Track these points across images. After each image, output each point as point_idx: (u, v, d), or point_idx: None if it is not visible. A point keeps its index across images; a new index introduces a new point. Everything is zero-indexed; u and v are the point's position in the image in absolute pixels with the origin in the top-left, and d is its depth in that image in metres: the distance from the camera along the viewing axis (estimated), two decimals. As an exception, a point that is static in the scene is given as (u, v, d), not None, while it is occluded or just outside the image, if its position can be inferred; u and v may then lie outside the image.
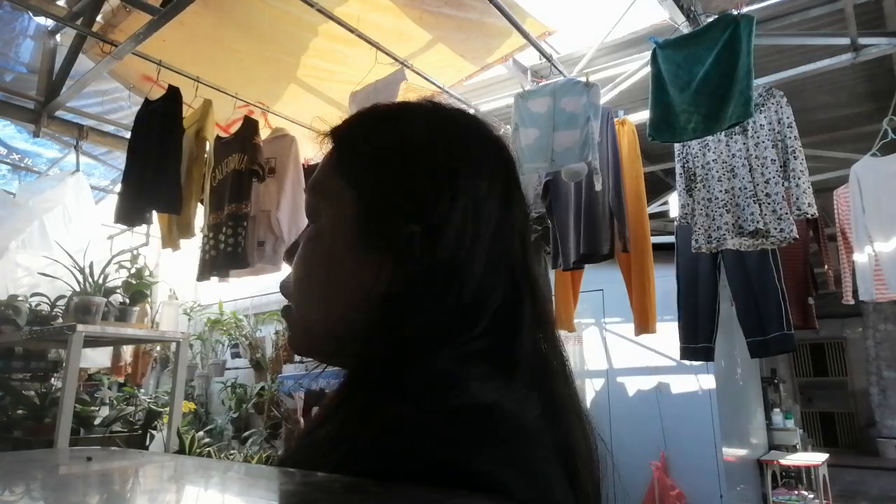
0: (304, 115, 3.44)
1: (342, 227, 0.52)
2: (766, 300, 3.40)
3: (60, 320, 3.13)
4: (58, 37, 3.26)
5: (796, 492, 5.52)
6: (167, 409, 3.30)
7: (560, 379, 0.51)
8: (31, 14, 3.14)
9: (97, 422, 3.36)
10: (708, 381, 4.56)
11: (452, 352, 0.45)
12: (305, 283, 0.54)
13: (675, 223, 3.31)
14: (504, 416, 0.42)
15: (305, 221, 0.57)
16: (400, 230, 0.49)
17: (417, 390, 0.43)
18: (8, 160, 4.58)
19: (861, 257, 3.31)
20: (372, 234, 0.50)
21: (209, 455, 3.94)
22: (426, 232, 0.48)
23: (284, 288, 0.57)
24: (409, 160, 0.51)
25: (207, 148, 2.85)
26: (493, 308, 0.48)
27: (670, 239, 3.74)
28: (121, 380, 4.30)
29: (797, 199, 2.71)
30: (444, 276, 0.47)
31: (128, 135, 3.02)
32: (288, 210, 2.98)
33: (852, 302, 3.58)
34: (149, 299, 3.86)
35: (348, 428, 0.43)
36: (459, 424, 0.39)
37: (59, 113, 3.30)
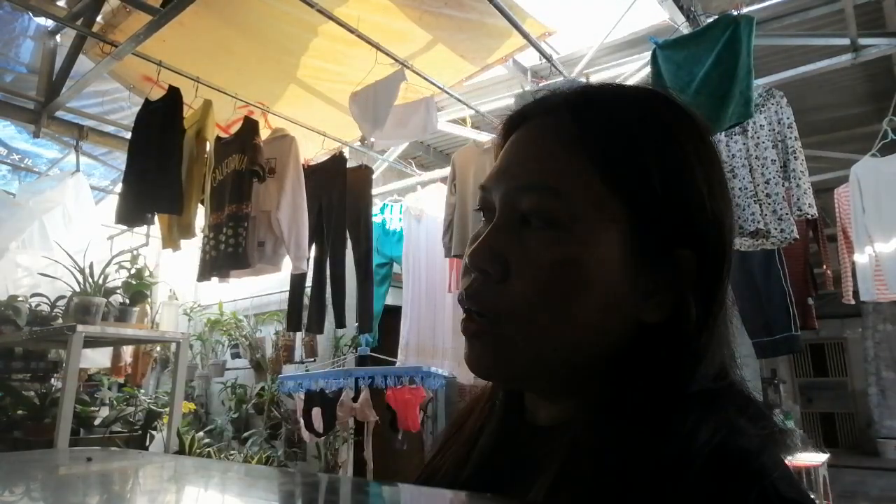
0: (304, 116, 3.44)
1: (608, 240, 0.43)
2: (772, 301, 3.40)
3: (60, 321, 3.13)
4: (58, 37, 3.26)
5: (796, 492, 5.51)
6: (167, 409, 3.30)
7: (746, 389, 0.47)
8: (31, 14, 3.14)
9: (97, 422, 3.37)
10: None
11: (707, 388, 0.41)
12: (546, 300, 0.43)
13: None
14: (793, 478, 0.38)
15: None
16: (673, 251, 0.43)
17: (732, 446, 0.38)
18: (8, 160, 4.58)
19: (861, 258, 3.32)
20: (648, 254, 0.43)
21: (209, 455, 3.93)
22: (703, 258, 0.43)
23: (481, 299, 0.45)
24: (682, 165, 0.45)
25: (208, 148, 2.85)
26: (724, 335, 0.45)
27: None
28: (121, 380, 4.30)
29: (797, 199, 2.72)
30: (710, 303, 0.43)
31: (128, 135, 3.01)
32: (288, 210, 2.98)
33: (853, 302, 3.59)
34: (149, 300, 3.86)
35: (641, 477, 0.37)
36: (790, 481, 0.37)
37: (59, 113, 3.29)
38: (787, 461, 0.39)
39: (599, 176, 0.44)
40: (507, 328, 0.44)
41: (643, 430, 0.39)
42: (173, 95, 2.74)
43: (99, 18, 2.86)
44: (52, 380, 3.58)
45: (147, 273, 3.45)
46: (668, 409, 0.40)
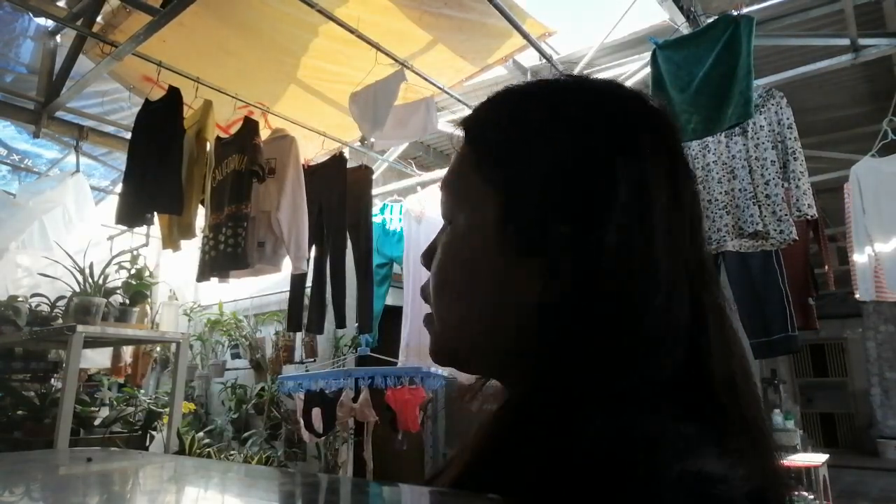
0: (304, 116, 3.44)
1: (482, 229, 0.46)
2: (769, 302, 3.40)
3: (60, 321, 3.13)
4: (58, 37, 3.26)
5: (796, 492, 5.52)
6: (167, 409, 3.30)
7: (755, 408, 0.42)
8: (31, 15, 3.14)
9: (97, 422, 3.36)
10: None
11: (635, 384, 0.38)
12: (444, 290, 0.49)
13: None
14: (723, 485, 0.35)
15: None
16: (549, 231, 0.42)
17: (618, 440, 0.35)
18: (8, 161, 4.58)
19: (861, 258, 3.32)
20: (517, 237, 0.44)
21: (209, 456, 3.93)
22: (583, 232, 0.41)
23: (424, 292, 0.53)
24: (553, 147, 0.44)
25: (208, 148, 2.85)
26: (676, 327, 0.40)
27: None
28: (121, 380, 4.29)
29: (797, 200, 2.71)
30: (612, 286, 0.40)
31: (128, 135, 3.02)
32: (288, 210, 2.98)
33: (866, 299, 3.57)
34: (149, 300, 3.86)
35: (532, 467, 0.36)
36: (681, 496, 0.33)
37: (59, 113, 3.30)
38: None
39: (476, 167, 0.48)
40: (432, 316, 0.51)
41: (553, 429, 0.38)
42: (173, 96, 2.74)
43: (99, 19, 2.86)
44: (52, 380, 3.58)
45: (147, 273, 3.45)
46: (581, 409, 0.37)
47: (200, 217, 2.94)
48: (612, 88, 0.48)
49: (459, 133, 0.52)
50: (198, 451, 3.66)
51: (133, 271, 3.26)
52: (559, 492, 0.34)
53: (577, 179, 0.43)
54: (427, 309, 0.53)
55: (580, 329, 0.40)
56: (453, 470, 0.43)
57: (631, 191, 0.41)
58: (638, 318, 0.40)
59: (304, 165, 3.20)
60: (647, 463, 0.34)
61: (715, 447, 0.36)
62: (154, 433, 3.55)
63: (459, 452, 0.46)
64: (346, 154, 3.55)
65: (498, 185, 0.46)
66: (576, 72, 3.38)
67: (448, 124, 3.82)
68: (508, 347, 0.45)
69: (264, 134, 3.14)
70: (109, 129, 3.74)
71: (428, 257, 0.52)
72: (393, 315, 4.16)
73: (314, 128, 3.49)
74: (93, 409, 3.51)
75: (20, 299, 3.29)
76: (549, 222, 0.42)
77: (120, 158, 3.92)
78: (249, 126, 3.01)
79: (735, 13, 2.50)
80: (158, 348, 4.90)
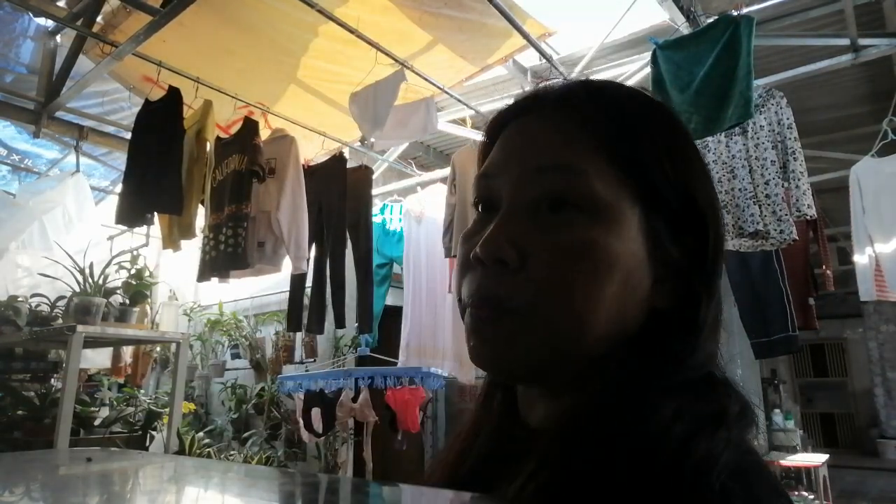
0: (304, 116, 3.44)
1: (628, 222, 0.43)
2: (770, 302, 3.40)
3: (60, 321, 3.13)
4: (58, 37, 3.26)
5: (796, 493, 5.52)
6: (167, 409, 3.30)
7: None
8: (31, 15, 3.14)
9: (97, 422, 3.36)
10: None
11: (689, 382, 0.41)
12: (571, 286, 0.42)
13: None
14: (755, 455, 0.40)
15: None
16: (680, 238, 0.45)
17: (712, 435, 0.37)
18: (8, 161, 4.58)
19: (861, 258, 3.32)
20: (660, 240, 0.44)
21: (209, 456, 3.93)
22: (699, 242, 0.45)
23: (464, 291, 0.46)
24: (685, 155, 0.46)
25: (208, 148, 2.85)
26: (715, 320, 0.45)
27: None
28: (121, 380, 4.29)
29: (797, 200, 2.71)
30: (710, 291, 0.45)
31: (128, 135, 3.02)
32: (288, 210, 2.98)
33: (867, 299, 3.57)
34: (149, 300, 3.85)
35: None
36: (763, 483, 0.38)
37: (59, 114, 3.29)
38: (765, 460, 0.41)
39: (613, 159, 0.43)
40: (529, 318, 0.42)
41: (620, 423, 0.38)
42: (173, 96, 2.74)
43: (99, 19, 2.86)
44: (52, 380, 3.58)
45: (147, 273, 3.45)
46: (652, 400, 0.39)
47: (200, 217, 2.94)
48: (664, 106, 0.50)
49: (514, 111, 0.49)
50: (198, 451, 3.66)
51: (133, 271, 3.25)
52: (645, 467, 0.35)
53: (698, 191, 0.45)
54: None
55: (679, 335, 0.43)
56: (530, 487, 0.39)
57: (706, 204, 0.45)
58: (702, 319, 0.44)
59: (304, 165, 3.19)
60: (713, 434, 0.37)
61: (749, 423, 0.41)
62: (154, 433, 3.55)
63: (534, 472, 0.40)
64: (346, 154, 3.55)
65: (640, 187, 0.44)
66: (576, 72, 3.38)
67: (448, 124, 3.82)
68: (602, 353, 0.43)
69: (264, 134, 3.14)
70: (109, 129, 3.74)
71: (509, 248, 0.42)
72: (393, 315, 4.16)
73: (314, 128, 3.49)
74: (93, 409, 3.50)
75: (20, 299, 3.29)
76: (682, 234, 0.45)
77: (120, 158, 3.92)
78: (249, 126, 3.01)
79: (735, 13, 2.50)
80: (158, 348, 4.89)
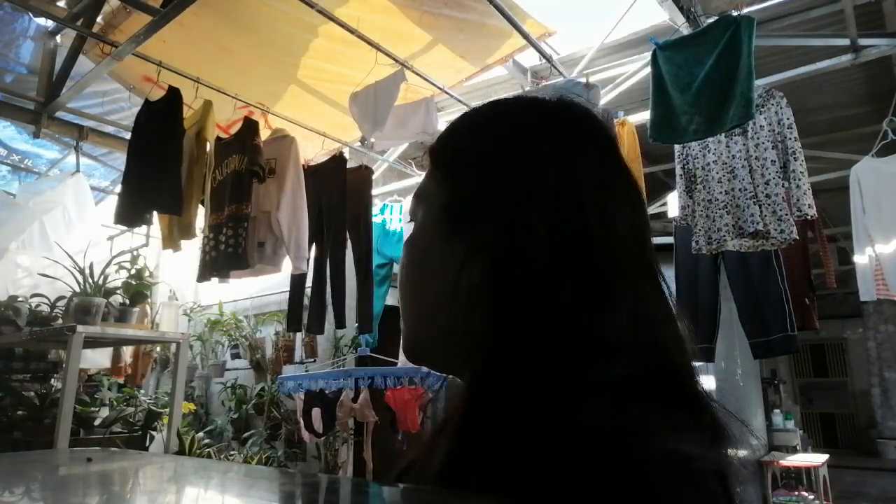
0: (304, 116, 3.44)
1: (431, 222, 0.51)
2: (769, 302, 3.40)
3: (60, 321, 3.13)
4: (58, 38, 3.26)
5: (796, 493, 5.52)
6: (167, 409, 3.30)
7: (708, 396, 0.45)
8: (31, 15, 3.14)
9: (97, 422, 3.36)
10: (708, 382, 4.55)
11: (603, 376, 0.40)
12: (404, 286, 0.53)
13: (674, 224, 3.31)
14: (698, 464, 0.38)
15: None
16: (483, 218, 0.46)
17: (594, 430, 0.37)
18: (8, 161, 4.58)
19: (861, 258, 3.32)
20: (454, 222, 0.48)
21: (209, 456, 3.93)
22: (513, 217, 0.44)
23: None
24: (490, 151, 0.50)
25: (208, 149, 2.85)
26: (626, 319, 0.43)
27: (669, 240, 3.74)
28: (121, 381, 4.29)
29: (797, 200, 2.71)
30: (555, 270, 0.42)
31: (128, 136, 3.02)
32: (288, 211, 2.98)
33: (867, 299, 3.56)
34: (149, 300, 3.85)
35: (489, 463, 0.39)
36: (660, 478, 0.35)
37: (59, 114, 3.30)
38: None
39: (433, 177, 0.54)
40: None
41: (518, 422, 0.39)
42: (173, 96, 2.74)
43: (99, 19, 2.86)
44: (52, 380, 3.58)
45: (147, 273, 3.45)
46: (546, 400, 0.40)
47: (200, 217, 2.94)
48: (538, 101, 0.53)
49: None
50: (198, 451, 3.66)
51: (133, 271, 3.25)
52: (556, 477, 0.35)
53: (507, 175, 0.46)
54: None
55: (522, 319, 0.42)
56: (432, 465, 0.44)
57: (554, 181, 0.45)
58: (589, 307, 0.42)
59: (304, 165, 3.19)
60: (636, 444, 0.36)
61: (693, 432, 0.40)
62: (154, 433, 3.54)
63: (429, 445, 0.48)
64: (346, 154, 3.55)
65: (443, 185, 0.51)
66: (576, 72, 3.38)
67: (448, 124, 3.81)
68: (464, 339, 0.45)
69: (264, 134, 3.14)
70: (109, 129, 3.74)
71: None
72: (393, 315, 4.12)
73: (314, 128, 3.49)
74: (93, 409, 3.50)
75: (20, 299, 3.29)
76: (485, 209, 0.46)
77: (120, 158, 3.92)
78: (249, 126, 3.01)
79: (735, 13, 2.50)
80: (158, 348, 4.90)
